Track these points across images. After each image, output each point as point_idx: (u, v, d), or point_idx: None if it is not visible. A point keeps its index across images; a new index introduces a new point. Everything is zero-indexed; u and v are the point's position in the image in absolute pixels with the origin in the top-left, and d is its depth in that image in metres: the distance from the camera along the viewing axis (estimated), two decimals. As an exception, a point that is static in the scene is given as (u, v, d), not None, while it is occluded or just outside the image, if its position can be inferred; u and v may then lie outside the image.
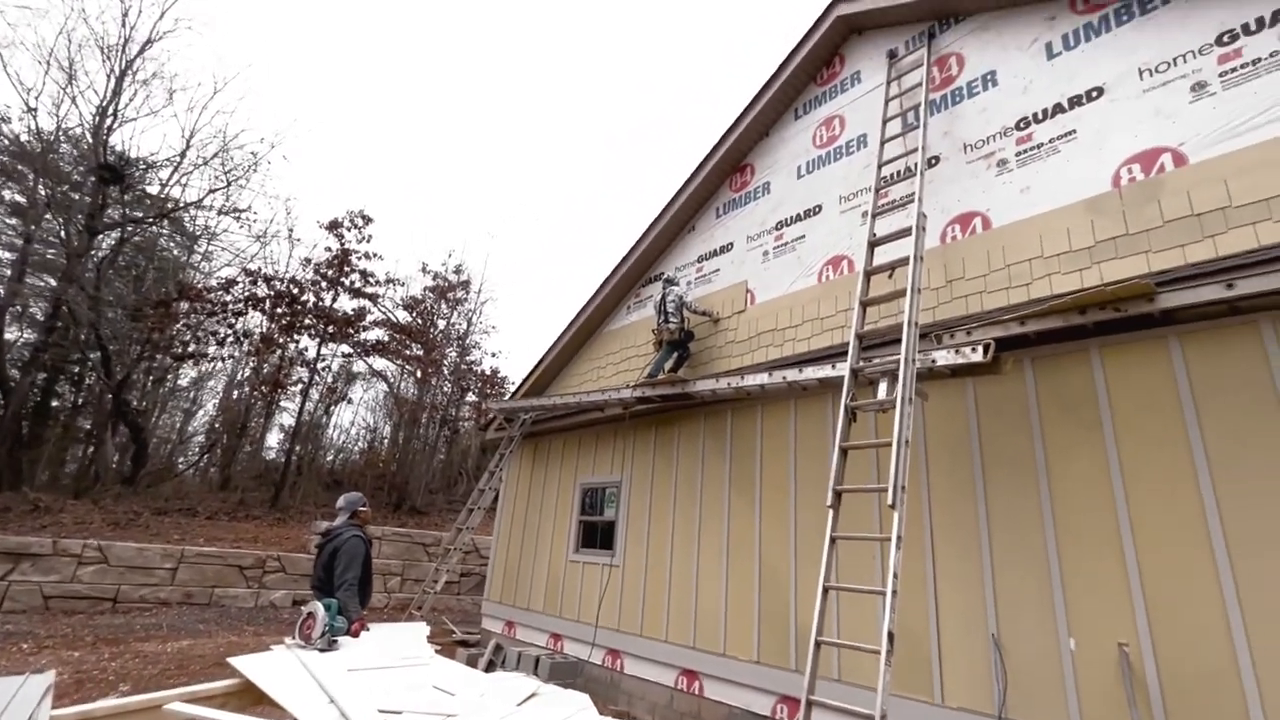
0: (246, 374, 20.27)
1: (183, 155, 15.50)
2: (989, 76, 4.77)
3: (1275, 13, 3.48)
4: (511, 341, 41.57)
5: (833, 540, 3.48)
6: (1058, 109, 4.27)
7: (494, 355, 29.29)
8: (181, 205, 16.11)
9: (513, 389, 9.65)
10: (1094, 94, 4.12)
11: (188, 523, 12.66)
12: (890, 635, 2.94)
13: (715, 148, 6.73)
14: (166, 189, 15.89)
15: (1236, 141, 3.42)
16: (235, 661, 2.82)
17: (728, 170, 6.83)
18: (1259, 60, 3.46)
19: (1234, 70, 3.55)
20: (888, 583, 3.03)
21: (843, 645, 3.41)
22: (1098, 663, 3.23)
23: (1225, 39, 3.63)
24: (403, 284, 21.58)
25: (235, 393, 21.17)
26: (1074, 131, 4.14)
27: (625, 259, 7.54)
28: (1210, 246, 3.33)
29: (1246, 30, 3.56)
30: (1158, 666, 3.06)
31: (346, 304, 18.81)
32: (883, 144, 5.08)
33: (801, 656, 4.46)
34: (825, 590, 3.35)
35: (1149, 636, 3.11)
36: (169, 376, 19.95)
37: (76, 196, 14.82)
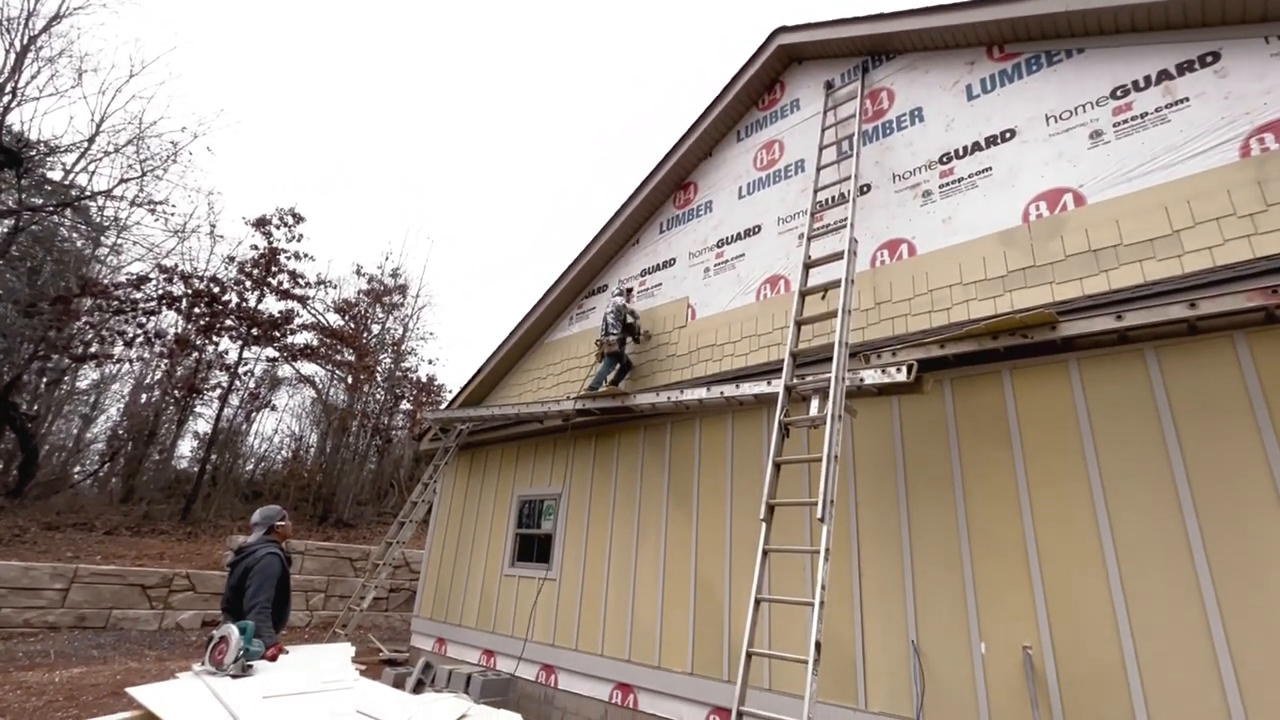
0: (157, 377, 18.88)
1: (92, 140, 14.37)
2: (916, 112, 5.08)
3: (1160, 72, 3.89)
4: (453, 350, 40.51)
5: (765, 553, 3.58)
6: (976, 147, 4.59)
7: (431, 362, 28.54)
8: (89, 194, 14.92)
9: (450, 397, 9.41)
10: (1007, 135, 4.45)
11: (83, 538, 11.63)
12: (818, 645, 3.04)
13: (660, 164, 6.83)
14: (72, 175, 14.68)
15: (1127, 186, 3.78)
16: (135, 691, 2.61)
17: (672, 187, 6.95)
18: (1145, 114, 3.85)
19: (1125, 122, 3.92)
20: (816, 594, 3.14)
21: (773, 656, 3.50)
22: (1005, 665, 3.44)
23: (1118, 93, 4.02)
24: (335, 286, 20.77)
25: (144, 397, 19.66)
26: (990, 169, 4.46)
27: (569, 270, 7.52)
28: (1104, 280, 3.65)
29: (1136, 87, 3.96)
30: (1056, 667, 3.29)
31: (273, 305, 17.88)
32: (819, 170, 5.31)
33: (734, 667, 4.54)
34: (757, 602, 3.43)
35: (1049, 639, 3.35)
36: (66, 378, 18.27)
37: (-36, 179, 13.45)
